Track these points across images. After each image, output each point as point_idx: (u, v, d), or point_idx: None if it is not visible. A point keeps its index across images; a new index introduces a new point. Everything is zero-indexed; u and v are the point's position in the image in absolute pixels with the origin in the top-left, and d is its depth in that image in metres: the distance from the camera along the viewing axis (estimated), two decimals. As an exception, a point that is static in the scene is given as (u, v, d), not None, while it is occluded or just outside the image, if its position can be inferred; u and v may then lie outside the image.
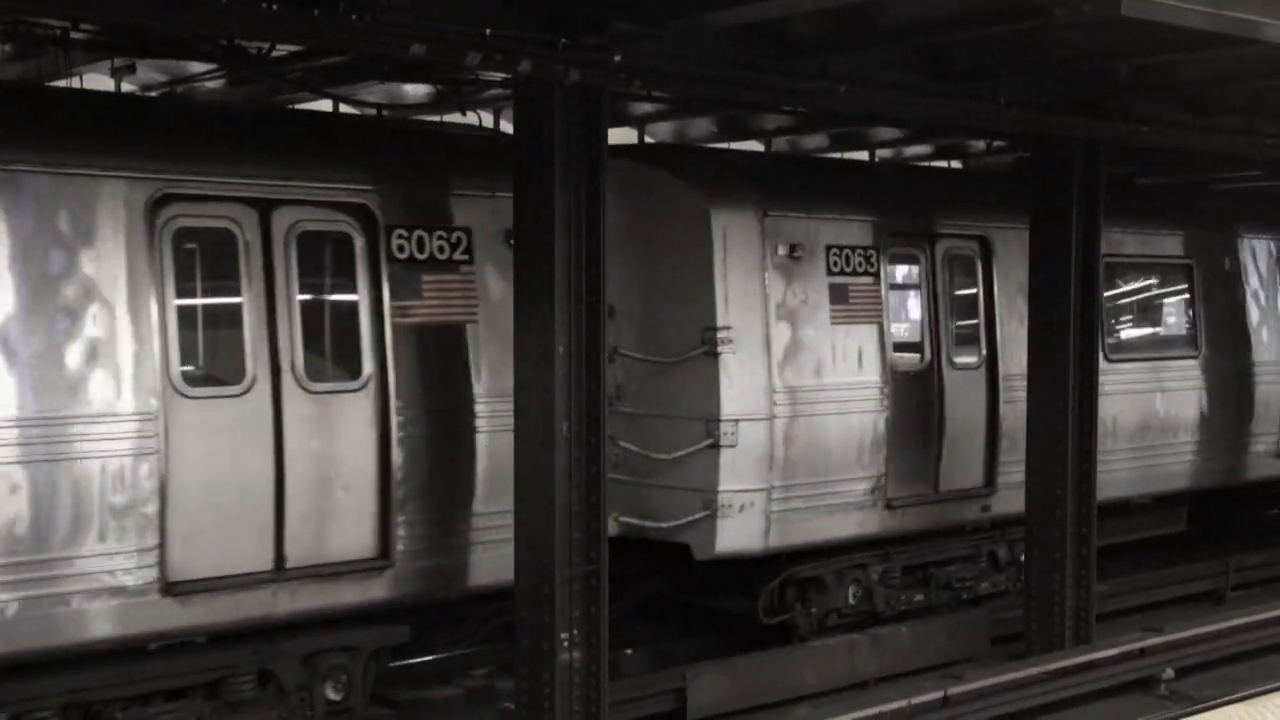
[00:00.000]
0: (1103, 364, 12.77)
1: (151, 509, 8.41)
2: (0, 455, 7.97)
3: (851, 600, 12.40)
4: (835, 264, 11.89)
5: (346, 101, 10.99)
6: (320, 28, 8.21)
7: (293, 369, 9.01)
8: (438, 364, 9.59)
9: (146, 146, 8.66)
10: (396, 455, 9.33)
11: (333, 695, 9.30)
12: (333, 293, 9.36)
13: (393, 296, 9.39)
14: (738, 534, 11.31)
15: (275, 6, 7.84)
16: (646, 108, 12.20)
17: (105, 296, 8.31)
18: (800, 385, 11.58)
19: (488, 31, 8.43)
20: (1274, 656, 13.00)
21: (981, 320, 13.23)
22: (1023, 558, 12.93)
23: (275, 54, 9.59)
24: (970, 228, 13.18)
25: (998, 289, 13.21)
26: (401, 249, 9.45)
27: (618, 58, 8.90)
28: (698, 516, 11.20)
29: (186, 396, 8.63)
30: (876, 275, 12.20)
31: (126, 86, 10.50)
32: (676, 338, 11.30)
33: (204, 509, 8.63)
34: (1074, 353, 12.36)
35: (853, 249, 12.02)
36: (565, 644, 9.10)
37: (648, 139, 13.39)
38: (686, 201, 11.38)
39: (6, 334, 8.02)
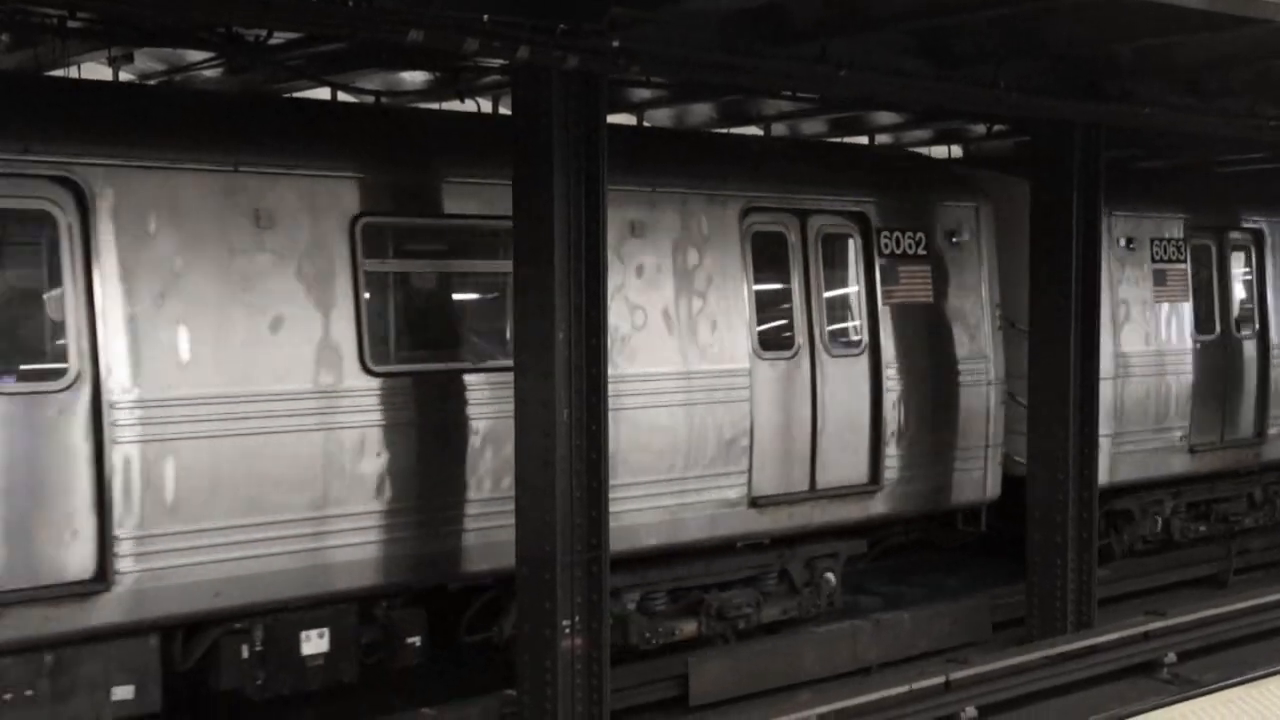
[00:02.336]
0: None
1: (745, 442, 11.18)
2: (665, 400, 10.69)
3: (1156, 529, 15.02)
4: (1157, 254, 14.75)
5: (344, 89, 10.97)
6: (318, 14, 8.18)
7: (822, 339, 11.82)
8: (911, 335, 12.41)
9: (742, 173, 11.60)
10: (886, 405, 12.13)
11: (829, 589, 12.12)
12: (843, 281, 12.23)
13: (882, 283, 12.23)
14: None
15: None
16: (645, 94, 12.17)
17: (720, 282, 11.07)
18: (1132, 352, 14.38)
19: (486, 18, 8.40)
20: (1277, 640, 12.99)
21: (1255, 301, 16.16)
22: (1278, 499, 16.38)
23: (273, 41, 9.57)
24: (1249, 222, 16.21)
25: (1271, 276, 16.18)
26: (886, 247, 12.29)
27: (616, 43, 8.88)
28: None
29: (762, 359, 11.40)
30: (1184, 262, 15.02)
31: (124, 75, 10.48)
32: None
33: (772, 442, 11.43)
34: (1076, 338, 12.36)
35: (1169, 241, 14.89)
36: (567, 630, 9.11)
37: (645, 124, 13.38)
38: None
39: (668, 311, 10.77)
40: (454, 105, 11.45)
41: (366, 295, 9.39)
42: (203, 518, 8.70)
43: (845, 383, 11.98)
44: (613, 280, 9.78)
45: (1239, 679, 10.36)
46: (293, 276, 9.07)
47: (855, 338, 12.19)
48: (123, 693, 8.53)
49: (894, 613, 12.78)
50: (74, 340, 8.35)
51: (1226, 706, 7.89)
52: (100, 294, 8.37)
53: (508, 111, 10.31)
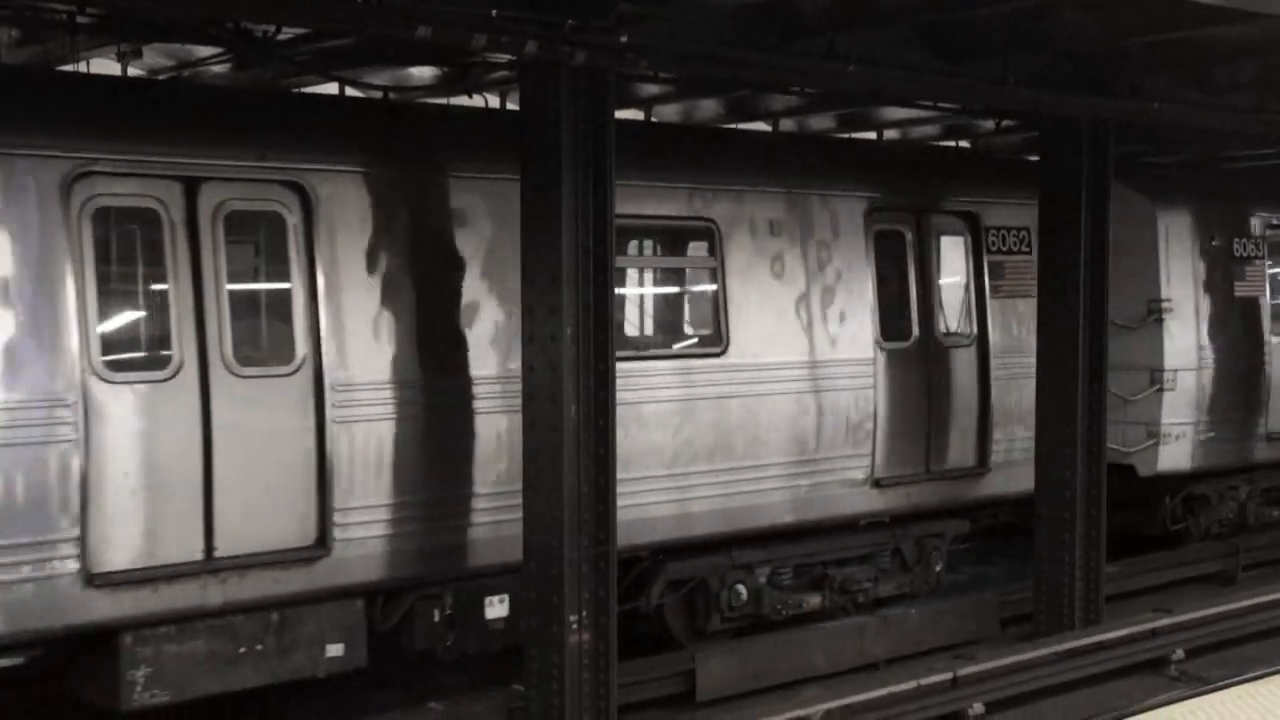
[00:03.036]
0: None
1: (869, 426, 12.09)
2: (800, 386, 11.65)
3: (1230, 515, 15.78)
4: (1237, 250, 15.53)
5: (353, 84, 10.97)
6: (327, 9, 8.19)
7: (937, 331, 12.85)
8: (1014, 327, 13.29)
9: (867, 176, 12.55)
10: (993, 392, 13.01)
11: (937, 567, 12.93)
12: (949, 277, 13.18)
13: (989, 278, 13.12)
14: (1172, 456, 14.80)
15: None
16: (653, 89, 12.16)
17: (848, 277, 12.05)
18: (1214, 344, 15.11)
19: (494, 13, 8.40)
20: (1285, 636, 12.99)
21: None
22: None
23: (281, 37, 9.57)
24: None
25: None
26: (994, 244, 13.21)
27: (624, 39, 8.87)
28: (1144, 444, 14.67)
29: (884, 349, 12.31)
30: (1261, 257, 15.78)
31: (133, 71, 10.49)
32: (1131, 308, 14.65)
33: (892, 426, 12.30)
34: (1084, 333, 12.35)
35: (1249, 238, 15.67)
36: (574, 626, 9.11)
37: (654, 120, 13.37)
38: (1137, 204, 14.73)
39: (801, 303, 11.71)
40: (462, 101, 11.45)
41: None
42: (410, 492, 9.60)
43: (957, 371, 12.94)
44: (751, 275, 11.32)
45: (1247, 675, 10.35)
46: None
47: (966, 329, 13.09)
48: (334, 650, 9.46)
49: (901, 608, 12.77)
50: (299, 328, 9.27)
51: (1234, 703, 7.88)
52: (321, 286, 9.29)
53: (515, 107, 10.31)
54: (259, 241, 9.41)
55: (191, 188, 8.87)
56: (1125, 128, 12.72)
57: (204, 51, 10.34)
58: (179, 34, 9.74)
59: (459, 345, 9.87)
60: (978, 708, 10.51)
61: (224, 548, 8.91)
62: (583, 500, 9.11)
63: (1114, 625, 12.26)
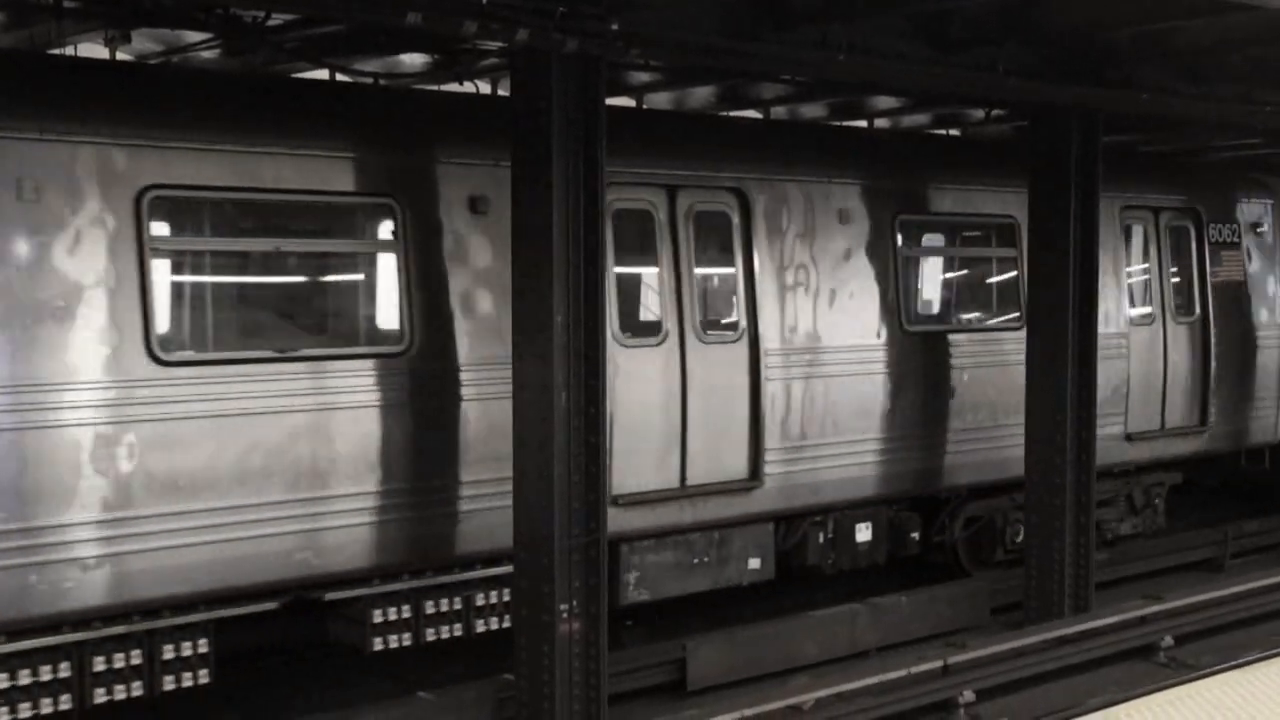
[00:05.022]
0: None
1: (1124, 390, 14.43)
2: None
3: None
4: None
5: (343, 71, 10.92)
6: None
7: (1170, 310, 15.09)
8: (1228, 307, 15.68)
9: (1122, 178, 14.27)
10: (1211, 362, 15.32)
11: (1159, 511, 15.15)
12: (1178, 264, 15.41)
13: (1210, 264, 15.50)
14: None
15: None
16: (645, 77, 12.13)
17: (1110, 267, 14.00)
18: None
19: (484, 0, 8.36)
20: (1273, 623, 13.03)
21: None
22: None
23: (271, 23, 9.52)
24: None
25: None
26: (1212, 236, 15.66)
27: (615, 26, 8.85)
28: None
29: (1134, 325, 14.67)
30: None
31: (121, 56, 10.43)
32: None
33: (1139, 390, 14.64)
34: (1073, 321, 12.37)
35: None
36: (565, 615, 9.10)
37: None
38: None
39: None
40: (453, 88, 11.41)
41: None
42: (809, 436, 11.87)
43: (1184, 344, 15.26)
44: None
45: (1235, 662, 10.41)
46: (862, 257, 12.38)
47: (1189, 309, 15.43)
48: (754, 563, 11.75)
49: (892, 596, 12.80)
50: (740, 305, 11.60)
51: (1223, 690, 7.90)
52: (755, 272, 11.57)
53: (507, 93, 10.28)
54: (714, 236, 11.61)
55: (671, 194, 11.18)
56: (1112, 116, 12.73)
57: (193, 37, 10.28)
58: (167, 19, 9.67)
59: (839, 320, 12.13)
60: (968, 695, 10.53)
61: (692, 478, 11.15)
62: (573, 489, 9.09)
63: (1104, 612, 12.31)
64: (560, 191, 8.93)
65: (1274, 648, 11.41)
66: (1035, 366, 12.56)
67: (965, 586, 13.48)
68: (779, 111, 14.02)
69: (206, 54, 10.66)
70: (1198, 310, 15.46)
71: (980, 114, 14.51)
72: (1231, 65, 12.24)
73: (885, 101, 13.77)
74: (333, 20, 9.35)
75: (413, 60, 11.06)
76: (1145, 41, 11.34)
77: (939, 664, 10.81)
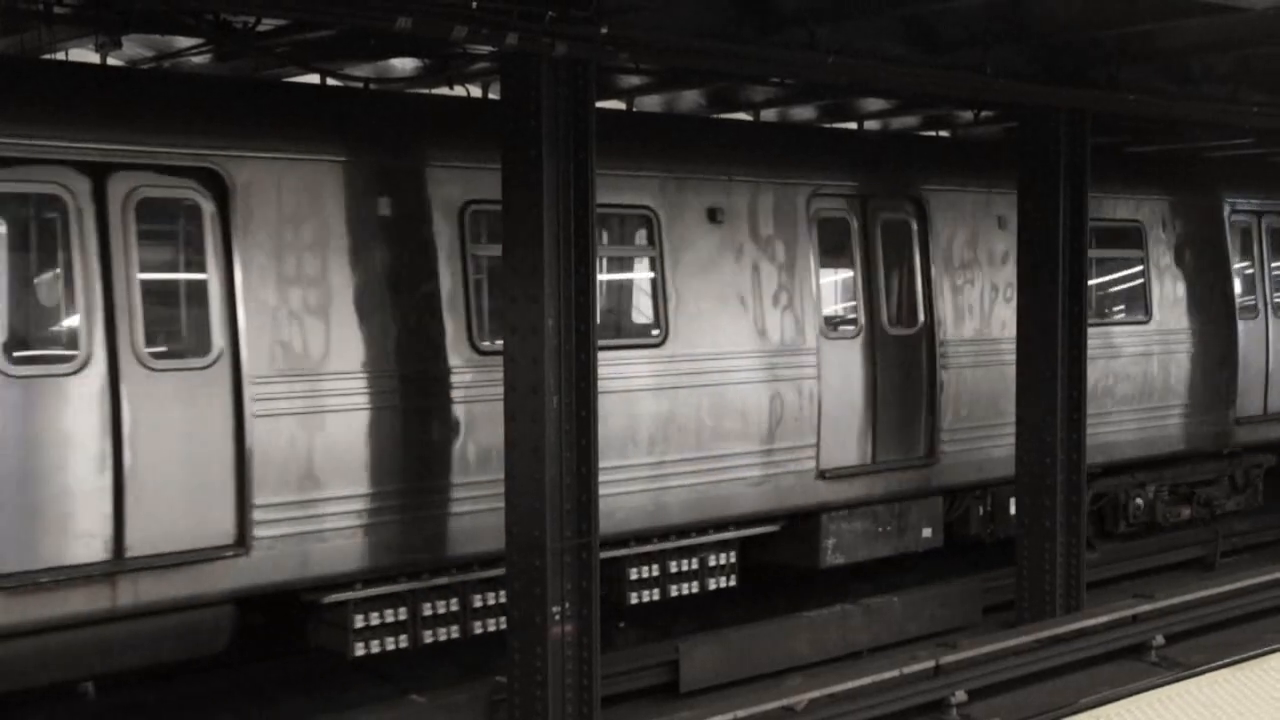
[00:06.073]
0: None
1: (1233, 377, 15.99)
2: (1188, 347, 15.48)
3: None
4: None
5: (334, 76, 10.92)
6: (306, 1, 8.16)
7: (1271, 304, 16.48)
8: None
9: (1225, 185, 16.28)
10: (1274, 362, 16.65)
11: (1258, 490, 16.55)
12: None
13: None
14: None
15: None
16: (634, 80, 12.15)
17: (1201, 264, 15.72)
18: None
19: (474, 4, 8.38)
20: (1264, 621, 13.07)
21: None
22: None
23: (261, 28, 9.53)
24: None
25: None
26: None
27: (605, 30, 8.87)
28: None
29: (1240, 321, 15.97)
30: None
31: (112, 61, 10.43)
32: None
33: (1245, 377, 15.95)
34: (1063, 321, 12.40)
35: None
36: (557, 617, 9.11)
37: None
38: None
39: (1204, 291, 15.59)
40: (443, 91, 11.43)
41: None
42: (974, 419, 13.29)
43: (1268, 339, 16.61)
44: (1173, 262, 15.42)
45: (1227, 660, 10.42)
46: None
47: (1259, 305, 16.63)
48: (927, 533, 13.08)
49: (884, 597, 12.82)
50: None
51: (1214, 688, 7.91)
52: (933, 273, 13.17)
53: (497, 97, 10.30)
54: (892, 241, 13.03)
55: (863, 203, 12.71)
56: (1101, 117, 12.77)
57: (184, 42, 10.29)
58: (158, 24, 9.67)
59: (1007, 316, 13.39)
60: (960, 695, 10.56)
61: (880, 456, 12.59)
62: (565, 491, 9.11)
63: (1095, 611, 12.34)
64: (551, 195, 8.95)
65: (1265, 646, 11.44)
66: (1025, 366, 12.58)
67: (958, 586, 13.50)
68: (772, 112, 14.05)
69: (196, 59, 10.67)
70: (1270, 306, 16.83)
71: (969, 115, 14.55)
72: (1218, 66, 12.29)
73: (875, 103, 13.81)
74: (323, 25, 9.36)
75: (404, 64, 11.09)
76: (1132, 43, 11.38)
77: (931, 664, 10.83)
